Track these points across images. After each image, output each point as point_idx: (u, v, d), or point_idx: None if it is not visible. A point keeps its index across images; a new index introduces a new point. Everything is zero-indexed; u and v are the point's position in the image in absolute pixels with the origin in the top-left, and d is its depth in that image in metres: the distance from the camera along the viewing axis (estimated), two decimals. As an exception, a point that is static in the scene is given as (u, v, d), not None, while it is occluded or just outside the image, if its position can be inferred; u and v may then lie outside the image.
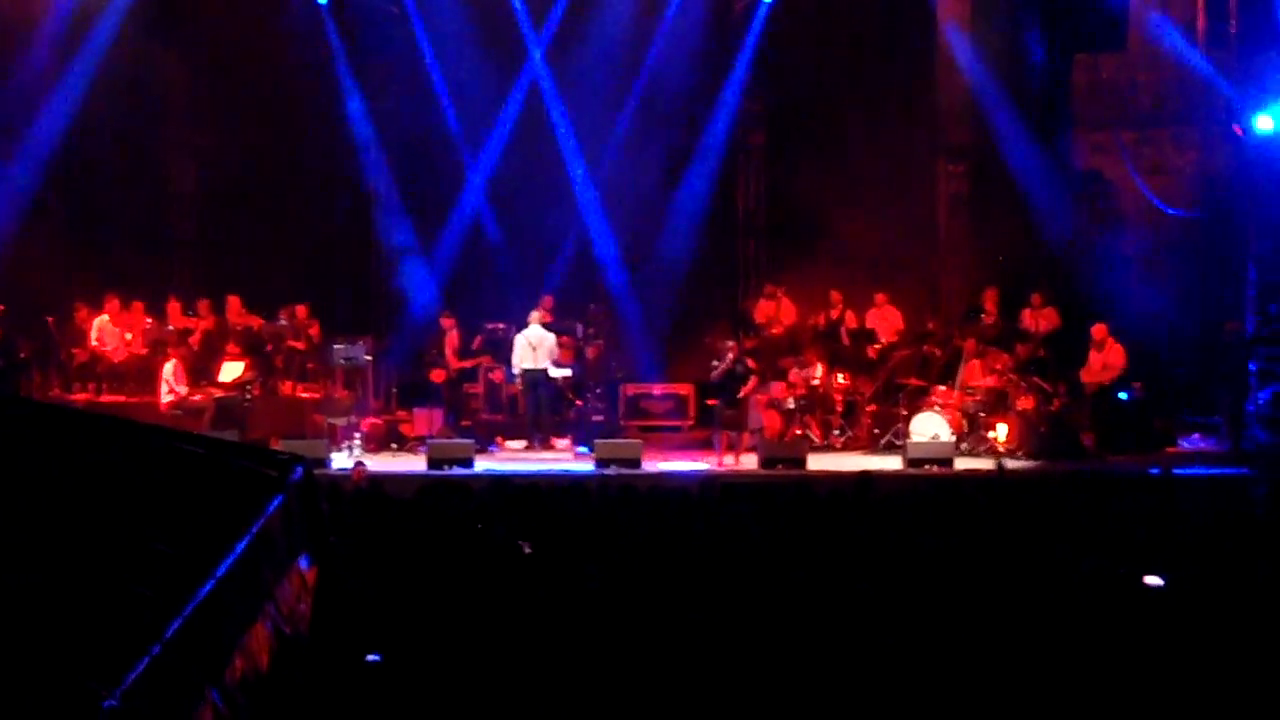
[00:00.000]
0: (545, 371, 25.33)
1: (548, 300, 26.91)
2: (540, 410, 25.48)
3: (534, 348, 25.20)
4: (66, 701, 4.70)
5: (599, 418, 26.63)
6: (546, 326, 25.69)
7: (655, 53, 28.68)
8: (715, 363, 24.11)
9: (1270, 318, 25.83)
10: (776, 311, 27.59)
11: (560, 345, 25.95)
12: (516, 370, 25.49)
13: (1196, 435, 25.04)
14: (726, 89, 28.90)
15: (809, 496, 14.44)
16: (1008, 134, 27.70)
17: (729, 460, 23.69)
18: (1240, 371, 24.40)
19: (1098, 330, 24.83)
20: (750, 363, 24.20)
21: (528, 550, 11.49)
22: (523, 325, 25.69)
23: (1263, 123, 24.28)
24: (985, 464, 22.82)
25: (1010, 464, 21.95)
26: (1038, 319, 26.06)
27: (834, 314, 27.31)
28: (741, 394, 23.72)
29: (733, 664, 8.53)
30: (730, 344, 24.22)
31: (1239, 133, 25.56)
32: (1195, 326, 26.28)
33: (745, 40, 28.74)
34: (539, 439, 25.36)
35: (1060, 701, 8.24)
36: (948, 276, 28.69)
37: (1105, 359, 24.63)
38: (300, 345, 26.70)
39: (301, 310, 27.01)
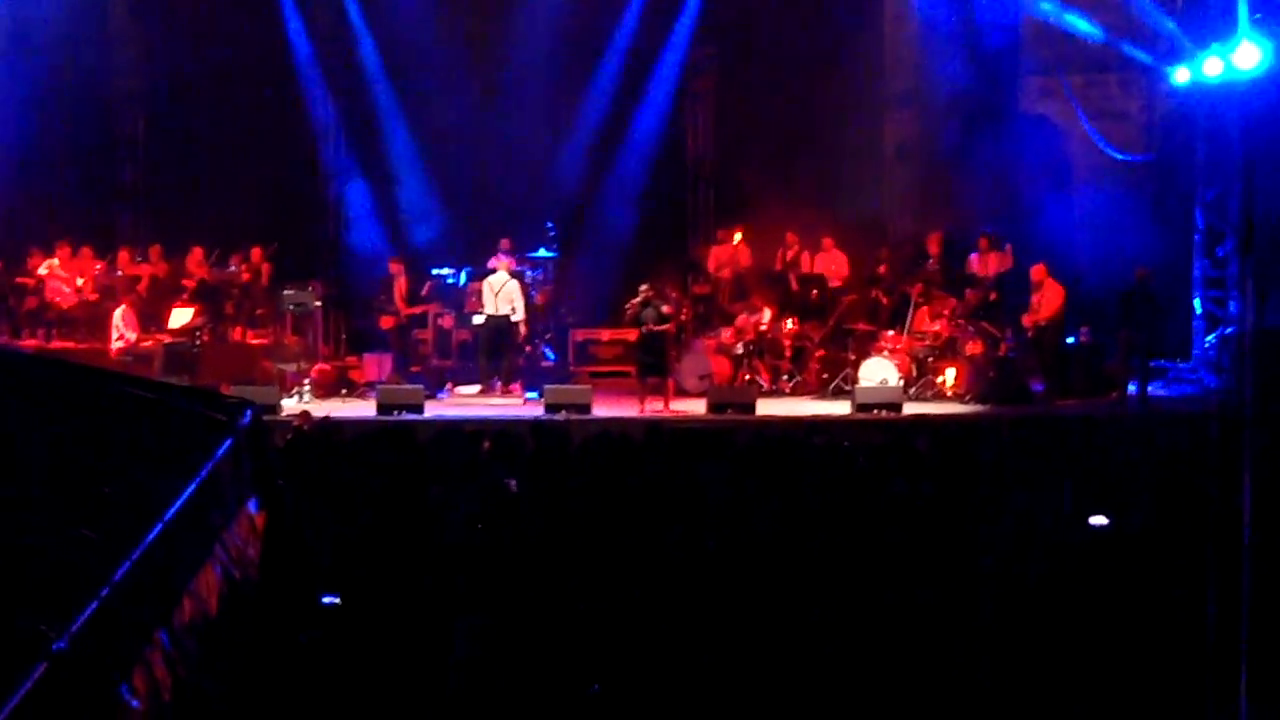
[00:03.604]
0: (507, 318, 25.30)
1: (505, 243, 26.77)
2: (496, 357, 25.45)
3: (495, 294, 25.19)
4: (14, 645, 4.71)
5: (548, 363, 26.66)
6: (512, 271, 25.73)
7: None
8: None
9: (1218, 261, 26.00)
10: (734, 256, 27.62)
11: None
12: (481, 318, 25.49)
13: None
14: (675, 33, 28.84)
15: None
16: (954, 79, 27.68)
17: (654, 407, 23.51)
18: (1151, 318, 24.51)
19: (1036, 271, 24.82)
20: (667, 309, 24.18)
21: (514, 488, 11.51)
22: (474, 271, 25.77)
23: (1210, 66, 24.31)
24: (936, 409, 22.96)
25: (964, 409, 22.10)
26: (986, 262, 26.14)
27: (789, 255, 27.43)
28: (664, 338, 23.86)
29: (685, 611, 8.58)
30: (643, 288, 24.18)
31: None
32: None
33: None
34: (499, 384, 25.34)
35: (1009, 642, 8.31)
36: (895, 221, 28.73)
37: (1043, 298, 24.69)
38: (247, 278, 26.68)
39: (256, 252, 27.03)
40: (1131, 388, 24.38)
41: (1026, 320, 24.77)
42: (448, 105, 28.78)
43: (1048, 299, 24.63)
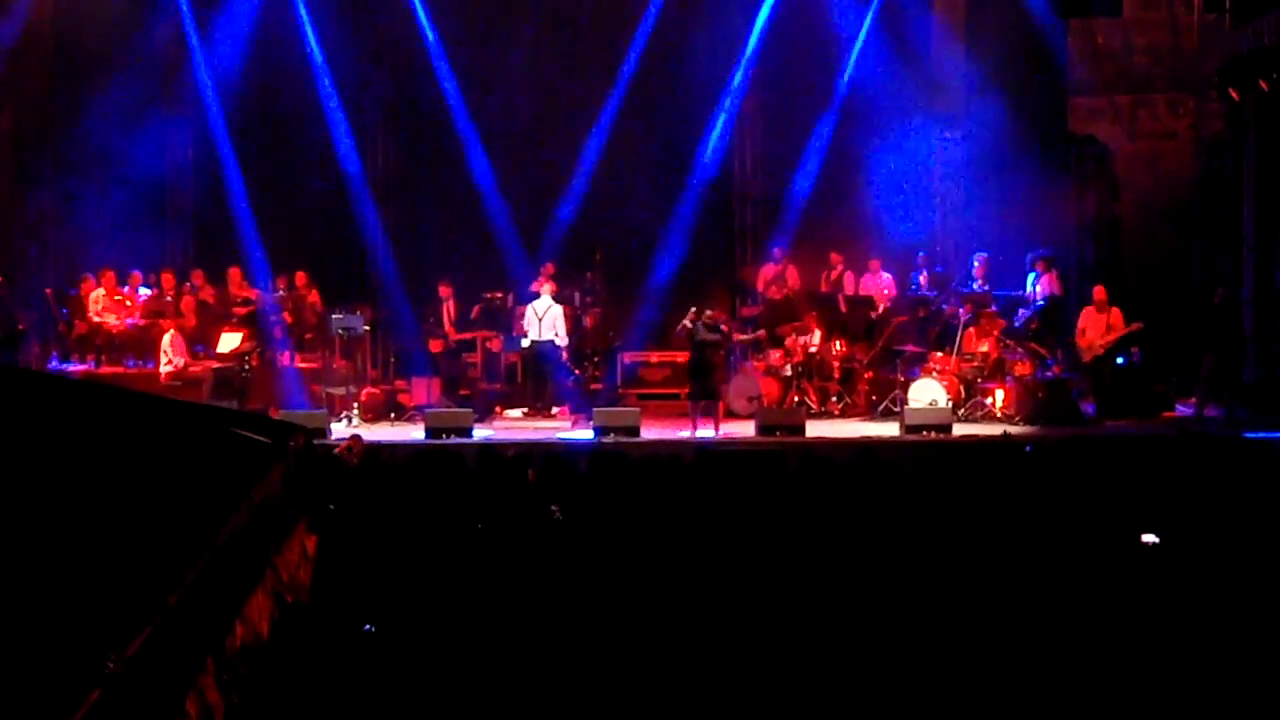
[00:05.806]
0: (551, 343, 25.24)
1: (548, 268, 26.85)
2: (541, 381, 25.44)
3: (539, 318, 25.16)
4: (70, 668, 4.72)
5: (597, 386, 26.65)
6: (555, 296, 25.73)
7: (653, 18, 28.62)
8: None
9: (1268, 281, 25.83)
10: (782, 275, 27.57)
11: (559, 314, 25.97)
12: (527, 341, 25.44)
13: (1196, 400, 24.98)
14: (739, 58, 28.86)
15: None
16: (1000, 99, 27.59)
17: (705, 432, 23.48)
18: (1232, 337, 24.29)
19: (1099, 291, 24.74)
20: (724, 328, 24.20)
21: (558, 515, 11.48)
22: (522, 295, 25.80)
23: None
24: (986, 430, 22.91)
25: (1013, 430, 22.11)
26: (1039, 286, 26.09)
27: (834, 275, 27.42)
28: (716, 360, 23.79)
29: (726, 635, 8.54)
30: (692, 310, 24.14)
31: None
32: (1192, 291, 26.28)
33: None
34: (541, 408, 25.30)
35: (1060, 666, 8.25)
36: (943, 243, 28.66)
37: (1108, 320, 24.56)
38: (290, 320, 26.76)
39: (301, 277, 27.08)
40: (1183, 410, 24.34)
41: (1081, 341, 24.65)
42: (496, 128, 28.83)
43: (1113, 320, 24.47)
